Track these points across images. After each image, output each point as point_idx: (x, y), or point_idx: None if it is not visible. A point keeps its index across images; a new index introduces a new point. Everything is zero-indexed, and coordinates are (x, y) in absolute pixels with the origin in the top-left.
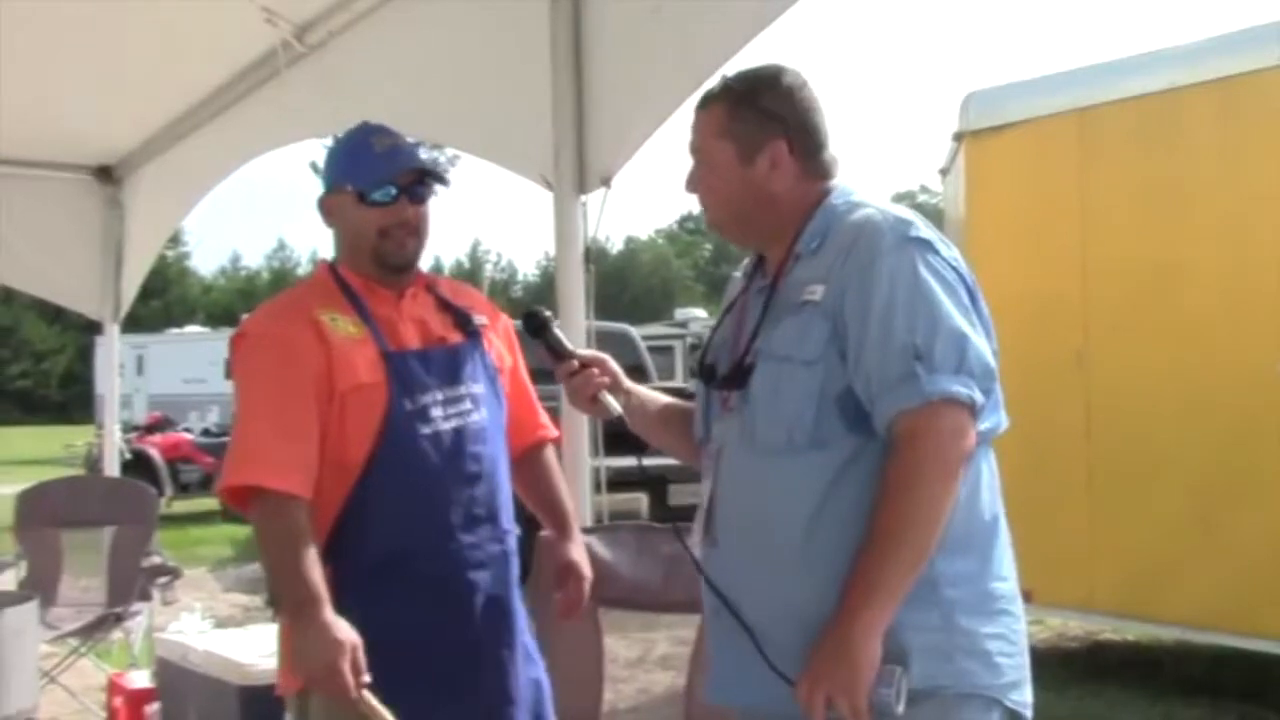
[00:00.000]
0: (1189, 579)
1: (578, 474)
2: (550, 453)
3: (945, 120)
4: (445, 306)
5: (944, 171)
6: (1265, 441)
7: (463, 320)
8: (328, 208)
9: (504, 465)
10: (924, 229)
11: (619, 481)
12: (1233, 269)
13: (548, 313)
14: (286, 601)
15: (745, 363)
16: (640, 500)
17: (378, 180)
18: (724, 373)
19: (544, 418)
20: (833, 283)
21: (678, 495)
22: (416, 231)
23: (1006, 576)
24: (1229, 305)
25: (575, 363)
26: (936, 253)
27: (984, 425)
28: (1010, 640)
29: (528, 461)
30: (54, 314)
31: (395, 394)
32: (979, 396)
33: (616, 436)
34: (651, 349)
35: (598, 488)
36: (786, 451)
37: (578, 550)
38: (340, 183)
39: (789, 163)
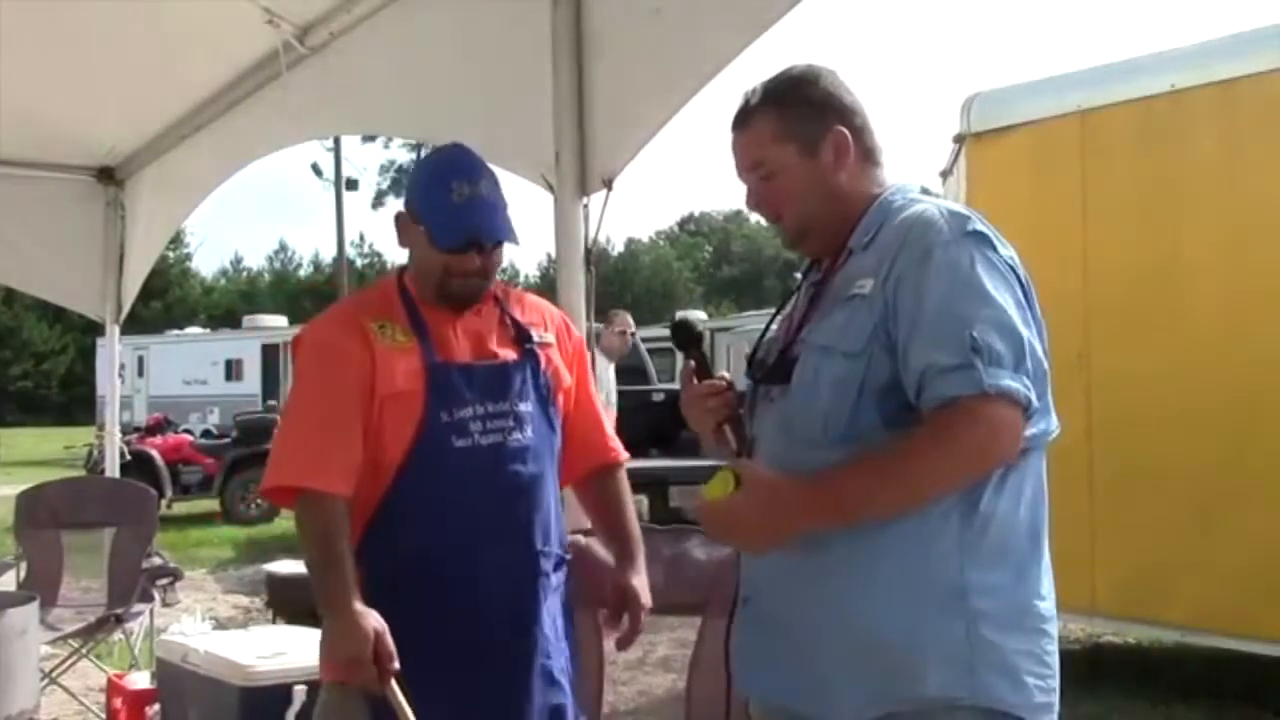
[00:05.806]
0: (1190, 581)
1: None
2: (621, 476)
3: (946, 122)
4: (508, 320)
5: (945, 174)
6: (1266, 443)
7: (523, 337)
8: (402, 226)
9: (549, 487)
10: (981, 225)
11: None
12: (1234, 271)
13: (701, 328)
14: (319, 595)
15: (789, 355)
16: (641, 502)
17: (448, 234)
18: (769, 366)
19: (613, 440)
20: (883, 276)
21: (679, 497)
22: (484, 274)
23: (1045, 595)
24: (1230, 307)
25: (723, 383)
26: (994, 249)
27: (1033, 430)
28: (1042, 661)
29: (595, 483)
30: (55, 315)
31: (432, 404)
32: (1035, 399)
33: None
34: (652, 351)
35: None
36: (820, 444)
37: (639, 579)
38: (415, 214)
39: (851, 149)
